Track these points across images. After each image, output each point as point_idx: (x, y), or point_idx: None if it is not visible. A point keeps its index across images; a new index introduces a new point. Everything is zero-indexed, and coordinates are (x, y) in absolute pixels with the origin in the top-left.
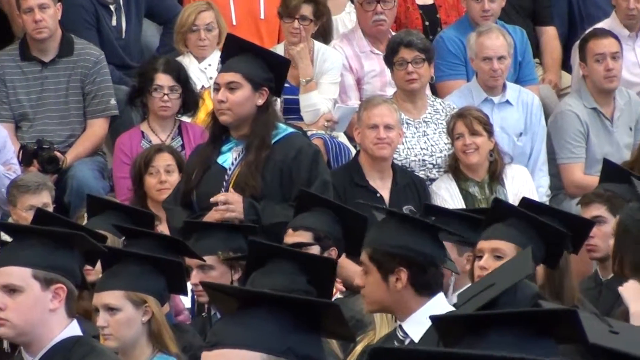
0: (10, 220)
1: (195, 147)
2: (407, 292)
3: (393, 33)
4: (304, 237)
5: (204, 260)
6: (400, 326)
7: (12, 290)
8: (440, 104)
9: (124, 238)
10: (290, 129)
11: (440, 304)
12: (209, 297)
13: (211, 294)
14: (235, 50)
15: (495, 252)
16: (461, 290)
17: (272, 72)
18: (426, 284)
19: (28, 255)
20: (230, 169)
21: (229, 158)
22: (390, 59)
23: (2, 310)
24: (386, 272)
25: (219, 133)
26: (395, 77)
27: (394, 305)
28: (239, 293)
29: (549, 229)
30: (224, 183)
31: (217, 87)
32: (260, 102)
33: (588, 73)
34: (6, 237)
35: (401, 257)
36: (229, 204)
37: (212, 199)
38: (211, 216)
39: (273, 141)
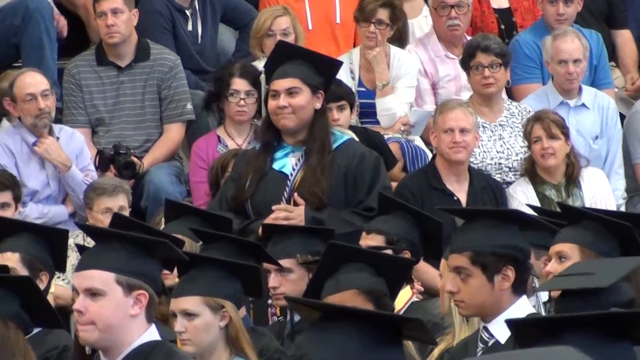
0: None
1: (240, 154)
2: (507, 292)
3: (468, 37)
4: (376, 240)
5: (280, 266)
6: (485, 327)
7: (94, 294)
8: (516, 107)
9: (201, 242)
10: (347, 136)
11: (525, 305)
12: (291, 307)
13: (292, 305)
14: (285, 57)
15: (559, 255)
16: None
17: (322, 76)
18: (524, 281)
19: (112, 260)
20: (292, 174)
21: (287, 163)
22: (466, 63)
23: (83, 314)
24: (492, 273)
25: (272, 140)
26: (471, 81)
27: (493, 306)
28: (323, 308)
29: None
30: (286, 189)
31: (274, 94)
32: (318, 105)
33: None
34: (79, 241)
35: (507, 256)
36: (289, 217)
37: (273, 212)
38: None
39: (333, 147)
